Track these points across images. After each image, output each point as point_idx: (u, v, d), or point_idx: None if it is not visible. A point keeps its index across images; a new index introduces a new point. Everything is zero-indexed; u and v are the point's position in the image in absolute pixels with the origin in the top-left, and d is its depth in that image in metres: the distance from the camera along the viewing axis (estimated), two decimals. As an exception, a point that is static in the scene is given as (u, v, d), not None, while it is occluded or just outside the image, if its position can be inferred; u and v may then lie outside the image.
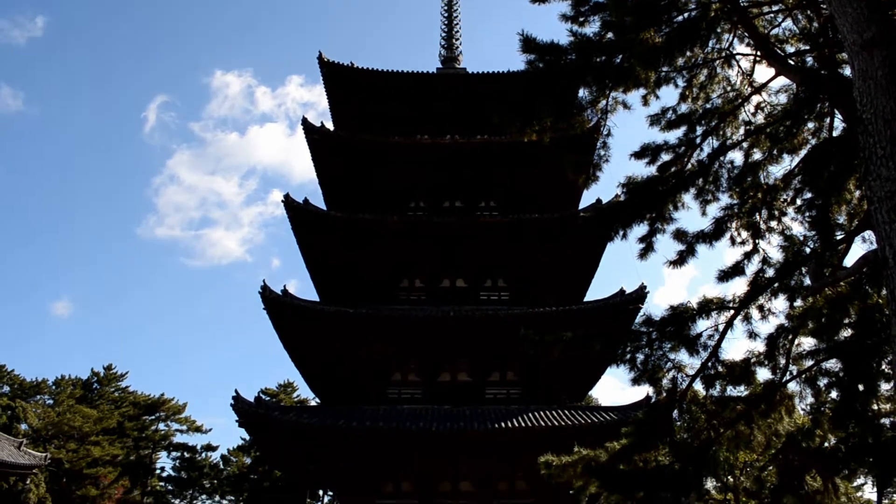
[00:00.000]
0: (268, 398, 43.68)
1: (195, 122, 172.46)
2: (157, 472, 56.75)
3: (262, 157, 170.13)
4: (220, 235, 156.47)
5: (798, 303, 11.20)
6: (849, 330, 10.92)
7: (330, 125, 35.23)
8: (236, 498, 57.00)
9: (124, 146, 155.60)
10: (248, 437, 51.68)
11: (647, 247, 11.36)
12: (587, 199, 34.76)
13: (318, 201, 34.40)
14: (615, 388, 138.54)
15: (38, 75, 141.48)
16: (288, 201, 31.29)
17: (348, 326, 29.81)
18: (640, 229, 11.38)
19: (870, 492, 42.50)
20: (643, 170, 11.48)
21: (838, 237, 10.61)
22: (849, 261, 10.31)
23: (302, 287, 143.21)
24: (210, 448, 58.35)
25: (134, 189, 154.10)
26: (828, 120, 10.84)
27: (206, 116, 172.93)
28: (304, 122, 33.11)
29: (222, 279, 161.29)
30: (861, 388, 10.92)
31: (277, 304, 29.57)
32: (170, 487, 57.05)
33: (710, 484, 34.35)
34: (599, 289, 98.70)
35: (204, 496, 57.94)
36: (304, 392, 60.35)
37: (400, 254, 32.96)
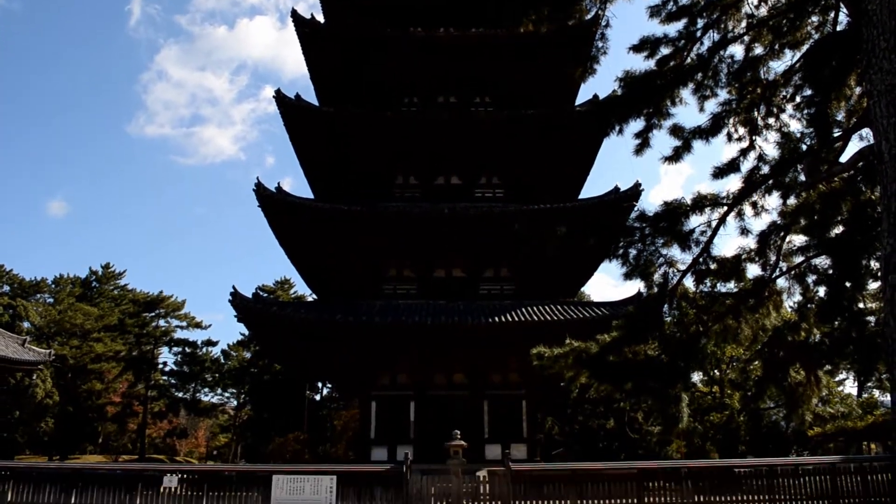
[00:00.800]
0: (265, 295, 44.27)
1: (181, 15, 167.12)
2: (160, 366, 58.32)
3: (252, 52, 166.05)
4: (212, 133, 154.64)
5: (791, 200, 11.24)
6: (840, 227, 11.03)
7: (321, 18, 34.15)
8: (238, 391, 58.80)
9: (109, 41, 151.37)
10: (247, 333, 52.81)
11: (644, 142, 11.29)
12: (583, 97, 34.26)
13: (311, 97, 33.82)
14: (608, 286, 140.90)
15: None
16: (279, 97, 30.70)
17: (343, 223, 29.87)
18: (637, 125, 11.29)
19: (851, 386, 44.07)
20: (641, 64, 11.32)
21: (836, 134, 10.54)
22: (845, 160, 10.30)
23: (297, 185, 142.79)
24: (210, 343, 59.80)
25: (121, 86, 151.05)
26: (832, 14, 10.57)
27: (193, 9, 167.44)
28: (294, 14, 32.07)
29: (216, 177, 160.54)
30: (849, 285, 11.12)
31: (272, 202, 29.51)
32: (172, 381, 58.74)
33: (696, 377, 35.61)
34: (594, 190, 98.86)
35: (206, 389, 59.80)
36: (300, 289, 61.33)
37: (394, 150, 32.64)
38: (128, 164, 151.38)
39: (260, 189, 29.27)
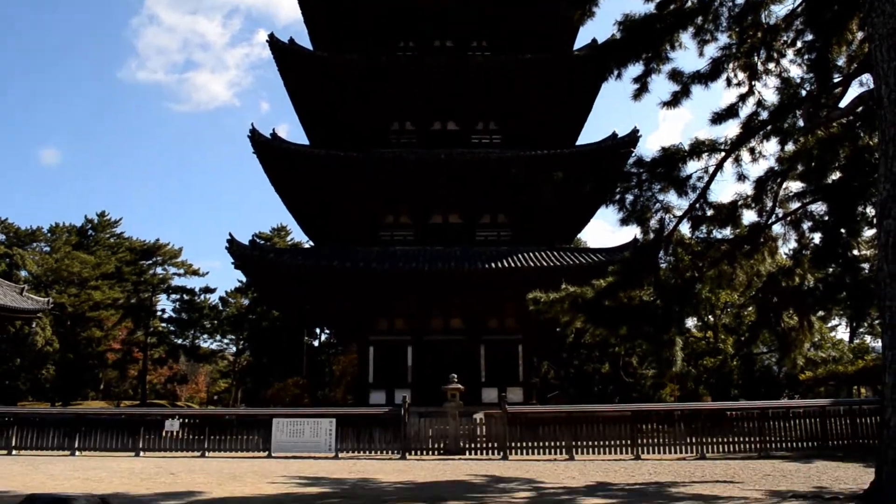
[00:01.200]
0: (262, 242, 44.31)
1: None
2: (159, 314, 58.59)
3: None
4: (206, 79, 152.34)
5: (789, 146, 11.23)
6: (837, 173, 11.04)
7: (314, -41, 33.33)
8: (236, 337, 59.28)
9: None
10: (244, 280, 53.02)
11: (642, 87, 11.20)
12: (581, 42, 33.69)
13: (306, 42, 33.28)
14: (605, 232, 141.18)
15: None
16: (273, 42, 30.20)
17: (338, 169, 29.73)
18: (636, 69, 11.19)
19: (843, 332, 44.63)
20: (641, 7, 11.10)
21: (836, 80, 10.47)
22: (844, 105, 10.24)
23: (293, 131, 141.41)
24: (208, 290, 60.01)
25: (111, 31, 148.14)
26: (835, -46, 10.36)
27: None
28: (287, -45, 31.30)
29: (210, 124, 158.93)
30: (844, 231, 11.19)
31: (267, 148, 29.31)
32: (172, 328, 59.11)
33: (690, 322, 35.95)
34: (591, 138, 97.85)
35: (205, 336, 60.24)
36: (297, 236, 61.37)
37: (390, 96, 32.28)
38: (120, 111, 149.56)
39: (255, 135, 29.04)
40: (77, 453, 19.48)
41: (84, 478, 13.09)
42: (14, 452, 19.62)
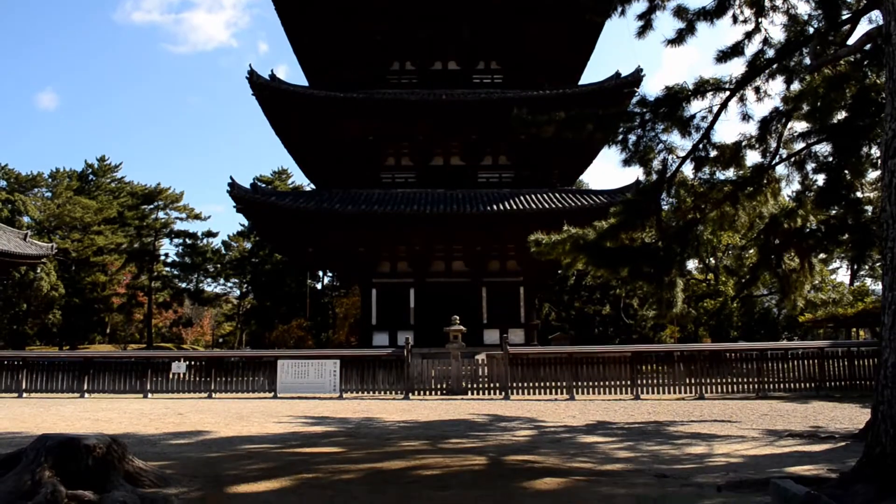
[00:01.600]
0: (263, 185, 44.16)
1: None
2: (162, 258, 58.81)
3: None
4: (203, 19, 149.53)
5: (795, 85, 11.04)
6: (843, 113, 10.88)
7: None
8: (240, 280, 59.61)
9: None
10: (247, 224, 53.06)
11: (646, 24, 10.93)
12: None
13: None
14: (607, 174, 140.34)
15: None
16: (269, -20, 29.56)
17: (339, 111, 29.43)
18: (640, 6, 10.91)
19: (843, 274, 44.79)
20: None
21: (844, 17, 10.23)
22: (852, 43, 10.03)
23: (292, 73, 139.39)
24: (210, 234, 60.16)
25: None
26: None
27: None
28: None
29: (208, 65, 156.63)
30: (848, 172, 11.09)
31: (266, 90, 28.97)
32: (175, 272, 59.39)
33: (692, 264, 36.09)
34: (595, 78, 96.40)
35: (209, 279, 60.58)
36: (298, 179, 61.26)
37: (389, 33, 31.73)
38: (117, 54, 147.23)
39: (253, 77, 28.68)
40: (86, 395, 19.83)
41: (94, 419, 13.35)
42: (25, 395, 19.98)
